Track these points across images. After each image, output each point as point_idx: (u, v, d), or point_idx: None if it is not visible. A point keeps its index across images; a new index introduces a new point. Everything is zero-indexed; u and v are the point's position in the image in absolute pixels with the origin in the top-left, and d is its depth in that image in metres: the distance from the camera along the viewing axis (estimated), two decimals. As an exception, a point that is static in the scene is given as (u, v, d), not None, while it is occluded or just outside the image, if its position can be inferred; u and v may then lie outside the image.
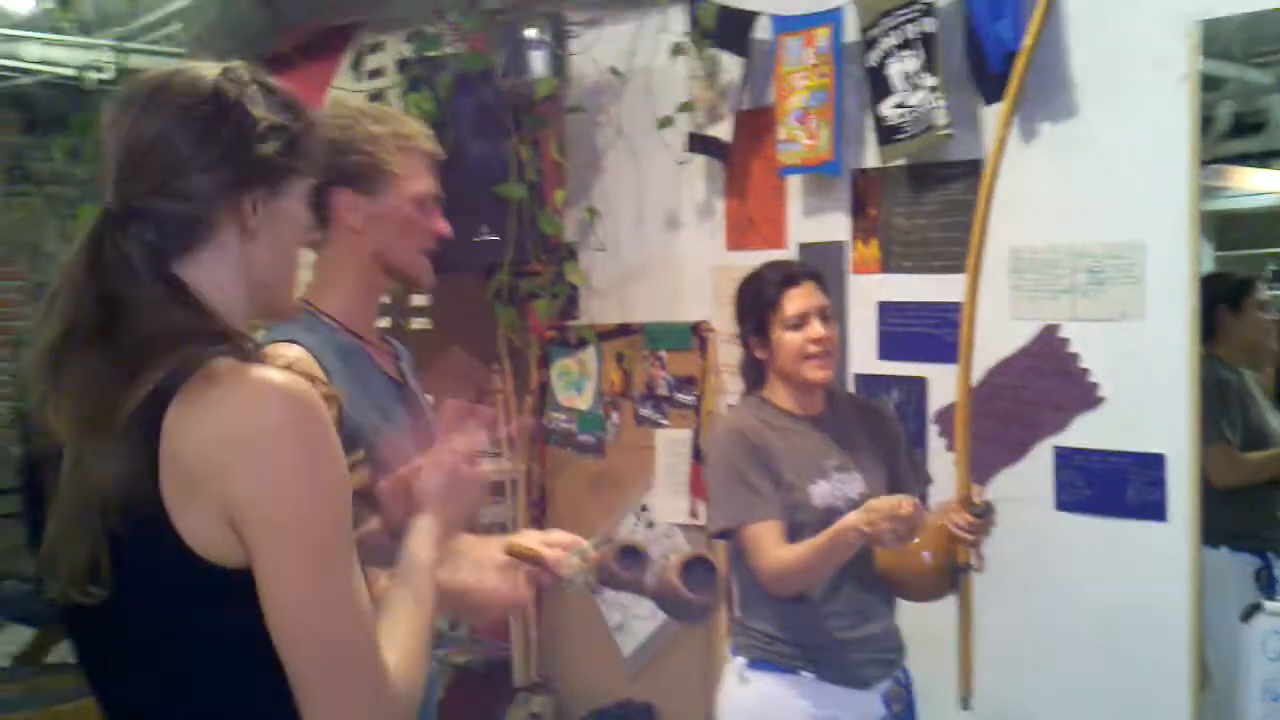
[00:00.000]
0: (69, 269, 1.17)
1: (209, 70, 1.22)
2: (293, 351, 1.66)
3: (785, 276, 2.39)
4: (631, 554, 2.00)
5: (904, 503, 2.09)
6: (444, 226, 1.87)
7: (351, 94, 3.89)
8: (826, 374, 2.38)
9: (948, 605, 2.33)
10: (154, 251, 1.17)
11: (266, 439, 1.08)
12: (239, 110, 1.19)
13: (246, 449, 1.07)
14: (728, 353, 3.32)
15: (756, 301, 2.40)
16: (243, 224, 1.20)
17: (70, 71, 4.72)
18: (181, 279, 1.18)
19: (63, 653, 3.98)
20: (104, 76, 4.45)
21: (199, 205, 1.18)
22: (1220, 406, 2.88)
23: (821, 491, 2.32)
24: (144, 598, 1.12)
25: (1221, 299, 2.94)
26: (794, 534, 2.27)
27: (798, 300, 2.35)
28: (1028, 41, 2.17)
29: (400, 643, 1.20)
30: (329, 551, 1.11)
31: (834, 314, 2.46)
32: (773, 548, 2.25)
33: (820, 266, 2.65)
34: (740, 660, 2.38)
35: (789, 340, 2.35)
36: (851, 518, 2.15)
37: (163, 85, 1.20)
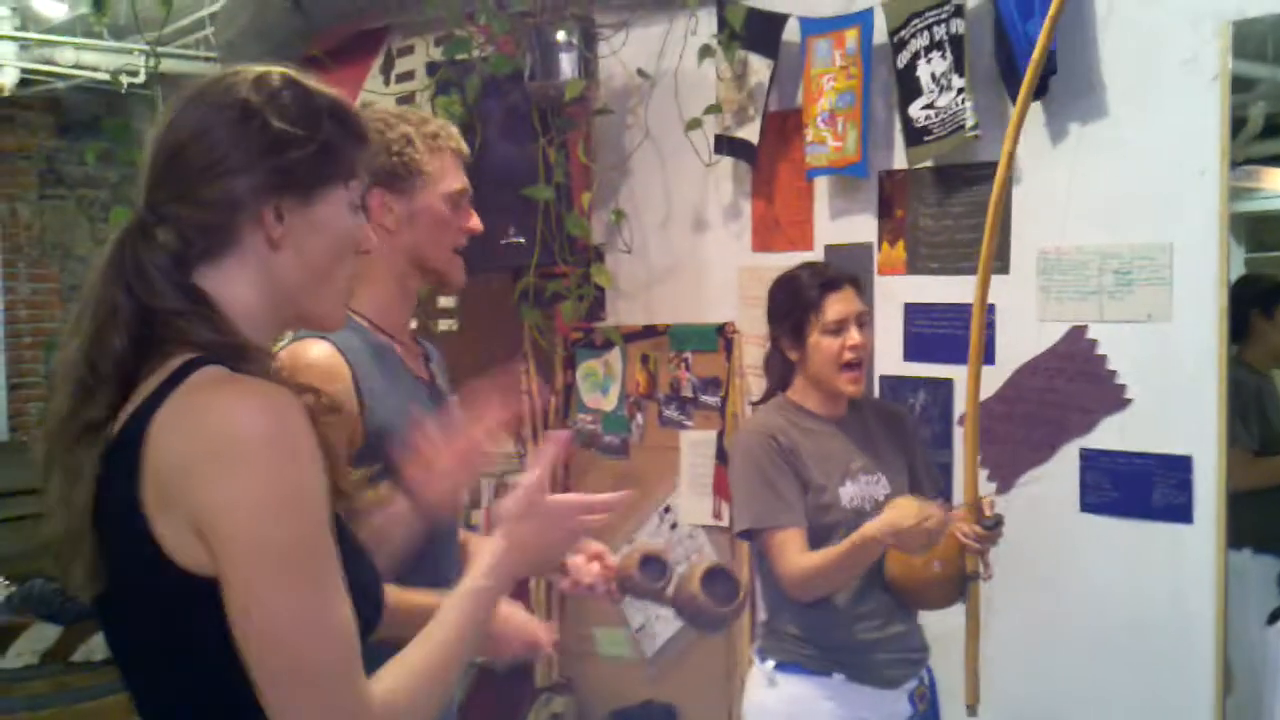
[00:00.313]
0: (94, 277, 1.17)
1: (245, 76, 1.21)
2: (316, 349, 1.66)
3: (827, 280, 2.37)
4: (654, 563, 2.00)
5: (931, 512, 2.09)
6: (476, 222, 1.89)
7: (380, 97, 3.92)
8: (859, 388, 2.38)
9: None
10: (176, 259, 1.16)
11: (235, 451, 1.05)
12: (261, 118, 1.18)
13: (215, 460, 1.05)
14: (753, 354, 3.32)
15: (795, 303, 2.37)
16: (267, 233, 1.18)
17: (103, 75, 4.76)
18: (202, 289, 1.17)
19: (89, 651, 4.01)
20: (137, 81, 4.49)
21: (220, 213, 1.17)
22: (1238, 409, 2.86)
23: (850, 492, 2.33)
24: (128, 599, 1.13)
25: (1254, 302, 2.92)
26: (825, 534, 2.27)
27: (838, 305, 2.34)
28: (1036, 55, 2.16)
29: (408, 667, 1.17)
30: (293, 568, 1.07)
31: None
32: (795, 555, 2.25)
33: (848, 268, 2.64)
34: (768, 663, 2.37)
35: (826, 345, 2.34)
36: (872, 527, 2.14)
37: (200, 92, 1.20)
